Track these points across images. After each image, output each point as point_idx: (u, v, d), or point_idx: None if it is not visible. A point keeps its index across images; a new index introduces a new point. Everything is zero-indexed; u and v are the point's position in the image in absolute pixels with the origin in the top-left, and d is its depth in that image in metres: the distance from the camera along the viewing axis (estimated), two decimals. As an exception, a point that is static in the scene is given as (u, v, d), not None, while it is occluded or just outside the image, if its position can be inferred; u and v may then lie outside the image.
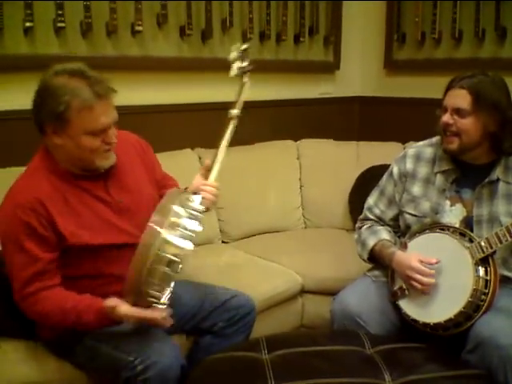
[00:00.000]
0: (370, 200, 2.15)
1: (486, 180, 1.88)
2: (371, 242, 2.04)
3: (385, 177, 2.13)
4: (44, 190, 1.64)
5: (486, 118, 1.82)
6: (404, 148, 3.10)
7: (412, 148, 2.08)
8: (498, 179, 1.88)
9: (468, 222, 1.92)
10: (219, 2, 3.00)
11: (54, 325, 1.67)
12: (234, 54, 1.98)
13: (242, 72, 2.01)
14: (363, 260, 2.11)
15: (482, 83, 1.82)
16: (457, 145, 1.86)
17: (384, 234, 2.05)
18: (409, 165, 2.04)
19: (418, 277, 1.83)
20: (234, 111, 1.92)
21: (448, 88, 1.88)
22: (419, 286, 1.84)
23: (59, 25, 2.43)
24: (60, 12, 2.41)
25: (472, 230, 1.89)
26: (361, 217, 2.18)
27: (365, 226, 2.12)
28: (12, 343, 1.82)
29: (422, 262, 1.85)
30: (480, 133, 1.84)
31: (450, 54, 3.31)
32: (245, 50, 1.97)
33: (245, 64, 2.01)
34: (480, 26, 3.11)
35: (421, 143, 2.08)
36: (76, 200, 1.69)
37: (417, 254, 1.88)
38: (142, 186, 1.85)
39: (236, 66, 1.99)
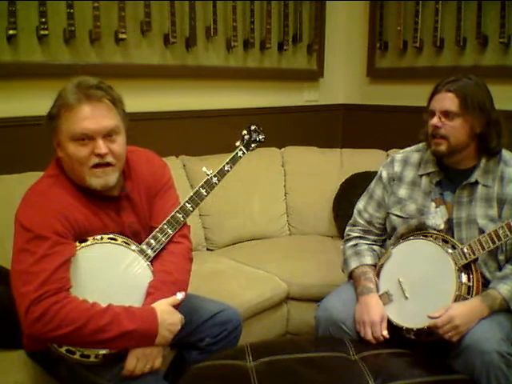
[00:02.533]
0: (360, 205, 2.17)
1: (465, 182, 1.91)
2: (353, 265, 2.06)
3: (373, 182, 2.16)
4: (66, 201, 1.60)
5: (473, 119, 1.86)
6: (387, 155, 3.13)
7: (399, 154, 2.12)
8: (476, 182, 1.91)
9: (450, 224, 1.95)
10: (203, 9, 3.01)
11: (69, 334, 1.49)
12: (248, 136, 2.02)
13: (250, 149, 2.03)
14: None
15: (467, 86, 1.86)
16: (445, 147, 1.89)
17: (367, 257, 2.06)
18: (396, 168, 2.07)
19: (367, 329, 1.85)
20: (214, 179, 1.88)
21: (434, 92, 1.92)
22: (363, 335, 1.86)
23: (42, 32, 2.42)
24: (43, 20, 2.40)
25: (453, 232, 1.92)
26: (350, 221, 2.19)
27: (350, 243, 2.13)
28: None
29: (381, 320, 1.86)
30: (467, 134, 1.87)
31: (431, 62, 3.35)
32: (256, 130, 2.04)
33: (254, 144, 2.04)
34: (461, 34, 3.15)
35: (408, 149, 2.11)
36: (90, 212, 1.65)
37: (383, 312, 1.89)
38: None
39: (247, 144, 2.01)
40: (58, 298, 1.48)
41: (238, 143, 2.00)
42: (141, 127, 2.81)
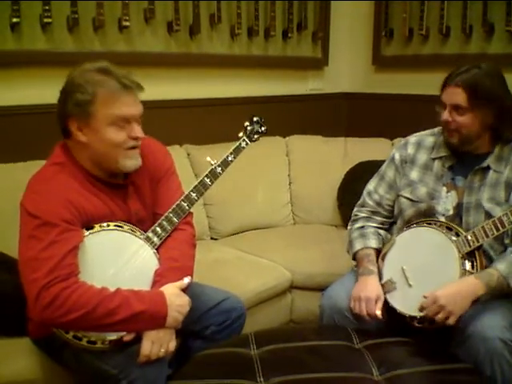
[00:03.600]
0: (370, 186, 2.17)
1: (476, 167, 1.91)
2: (357, 246, 2.06)
3: (385, 163, 2.15)
4: (72, 188, 1.62)
5: (484, 111, 1.84)
6: (392, 144, 3.12)
7: (414, 136, 2.11)
8: (488, 167, 1.90)
9: (459, 209, 1.94)
10: (207, -3, 2.99)
11: (80, 318, 1.49)
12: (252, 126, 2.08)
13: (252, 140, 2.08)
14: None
15: (476, 77, 1.83)
16: (457, 139, 1.89)
17: (372, 240, 2.06)
18: (410, 150, 2.07)
19: (363, 306, 1.86)
20: (218, 169, 1.91)
21: (444, 85, 1.90)
22: (357, 311, 1.88)
23: (46, 20, 2.40)
24: (47, 7, 2.39)
25: (461, 218, 1.92)
26: (359, 202, 2.18)
27: (357, 224, 2.13)
28: (2, 341, 1.80)
29: (377, 299, 1.87)
30: (479, 126, 1.86)
31: (437, 50, 3.32)
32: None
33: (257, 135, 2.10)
34: (467, 22, 3.12)
35: (423, 132, 2.11)
36: (97, 199, 1.67)
37: (381, 293, 1.90)
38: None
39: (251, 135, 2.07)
40: (68, 284, 1.50)
41: (240, 134, 2.04)
42: (145, 115, 2.77)
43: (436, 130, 2.06)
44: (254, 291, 2.33)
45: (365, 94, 3.76)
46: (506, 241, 1.87)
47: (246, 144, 2.03)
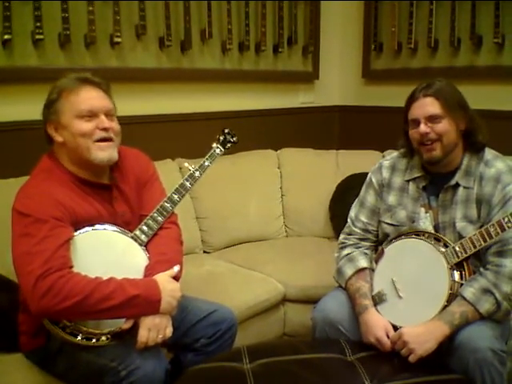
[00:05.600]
0: (352, 213, 2.15)
1: (445, 186, 1.92)
2: (349, 272, 2.03)
3: (363, 189, 2.14)
4: (61, 192, 1.68)
5: (456, 117, 1.88)
6: (383, 156, 3.14)
7: (387, 160, 2.11)
8: (457, 184, 1.91)
9: (437, 230, 1.94)
10: (198, 12, 3.02)
11: (76, 304, 1.53)
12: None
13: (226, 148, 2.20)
14: (337, 283, 2.10)
15: (441, 88, 1.88)
16: (439, 150, 1.88)
17: (361, 260, 2.03)
18: (385, 174, 2.07)
19: (379, 347, 1.82)
20: (196, 173, 2.01)
21: (411, 101, 1.91)
22: (384, 350, 1.82)
23: (38, 37, 2.43)
24: (38, 24, 2.41)
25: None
26: (345, 230, 2.15)
27: (344, 252, 2.09)
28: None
29: (386, 332, 1.83)
30: (455, 133, 1.89)
31: (426, 63, 3.36)
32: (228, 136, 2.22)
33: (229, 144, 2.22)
34: (455, 35, 3.16)
35: (395, 154, 2.11)
36: (84, 202, 1.73)
37: (386, 324, 1.86)
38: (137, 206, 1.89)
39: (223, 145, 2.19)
40: (63, 273, 1.55)
41: (214, 144, 2.16)
42: (137, 130, 2.82)
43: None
44: (246, 304, 2.33)
45: (355, 107, 3.80)
46: (489, 257, 1.84)
47: (220, 151, 2.14)
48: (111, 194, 1.82)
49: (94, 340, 1.62)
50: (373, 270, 2.02)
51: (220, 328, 1.89)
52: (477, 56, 3.14)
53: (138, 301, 1.60)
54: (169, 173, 2.80)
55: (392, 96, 3.50)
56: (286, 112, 3.62)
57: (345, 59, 3.81)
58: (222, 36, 3.16)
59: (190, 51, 3.03)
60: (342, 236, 2.16)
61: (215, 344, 1.89)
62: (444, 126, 1.86)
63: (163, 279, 1.69)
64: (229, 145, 2.20)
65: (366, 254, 2.08)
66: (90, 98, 1.72)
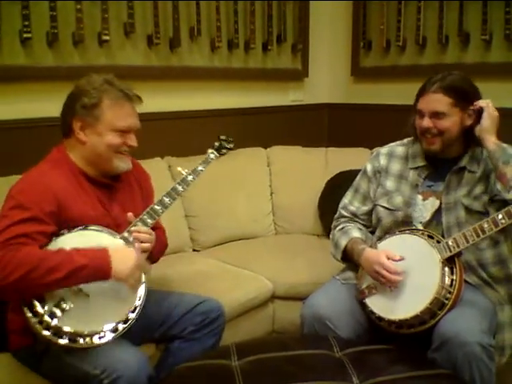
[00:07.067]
0: (345, 199, 2.21)
1: (454, 168, 1.96)
2: (343, 242, 2.08)
3: (358, 176, 2.19)
4: (61, 184, 1.72)
5: (463, 113, 1.90)
6: (372, 153, 3.15)
7: (384, 148, 2.16)
8: (464, 167, 1.96)
9: (437, 214, 1.97)
10: (187, 10, 3.01)
11: (23, 276, 1.54)
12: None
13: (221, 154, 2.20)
14: (337, 260, 2.15)
15: (453, 82, 1.90)
16: (439, 145, 1.93)
17: (355, 232, 2.09)
18: (382, 161, 2.11)
19: (385, 273, 1.87)
20: (189, 177, 2.00)
21: (422, 92, 1.94)
22: (386, 282, 1.87)
23: (25, 35, 2.41)
24: (26, 23, 2.40)
25: (441, 219, 1.96)
26: (336, 216, 2.22)
27: (337, 228, 2.16)
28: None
29: (389, 258, 1.89)
30: (459, 129, 1.92)
31: (414, 60, 3.37)
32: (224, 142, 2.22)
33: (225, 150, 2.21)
34: (443, 32, 3.18)
35: (392, 144, 2.16)
36: (82, 199, 1.76)
37: (385, 250, 1.93)
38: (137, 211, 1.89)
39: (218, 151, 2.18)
40: (14, 247, 1.57)
41: (209, 150, 2.16)
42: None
43: (405, 140, 2.11)
44: (235, 302, 2.33)
45: (344, 105, 3.81)
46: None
47: (215, 156, 2.15)
48: (111, 195, 1.85)
49: (79, 342, 1.61)
50: (365, 241, 2.06)
51: (206, 317, 1.93)
52: (464, 53, 3.16)
53: (86, 270, 1.61)
54: (158, 171, 2.80)
55: (381, 93, 3.54)
56: (275, 110, 3.62)
57: (334, 57, 3.82)
58: (211, 34, 3.16)
59: (179, 49, 3.02)
60: (333, 222, 2.22)
61: (202, 331, 1.92)
62: (447, 122, 1.89)
63: (116, 248, 1.70)
64: (224, 151, 2.20)
65: (359, 228, 2.12)
66: (130, 115, 1.79)
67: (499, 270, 1.94)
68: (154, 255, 1.91)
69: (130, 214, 1.79)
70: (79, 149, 1.78)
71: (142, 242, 1.77)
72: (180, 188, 1.94)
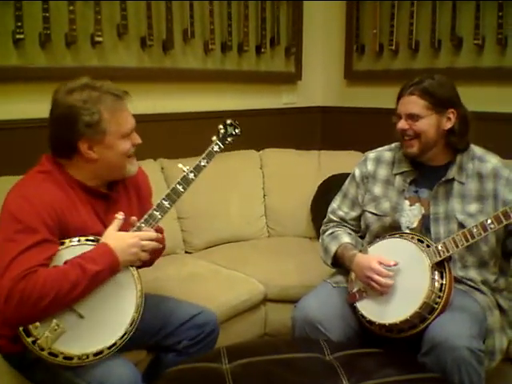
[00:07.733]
0: (334, 204, 2.22)
1: (443, 179, 1.96)
2: (333, 248, 2.09)
3: (347, 181, 2.21)
4: (57, 196, 1.65)
5: (439, 117, 1.92)
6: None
7: (372, 152, 2.17)
8: (453, 179, 1.96)
9: (425, 220, 1.99)
10: (180, 12, 3.01)
11: (53, 301, 1.52)
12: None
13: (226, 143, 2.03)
14: (327, 265, 2.15)
15: (430, 86, 1.91)
16: (416, 147, 1.95)
17: (345, 237, 2.10)
18: (370, 167, 2.12)
19: (377, 277, 1.88)
20: (191, 175, 1.87)
21: (399, 96, 1.98)
22: (378, 287, 1.88)
23: (18, 36, 2.40)
24: (19, 24, 2.39)
25: (429, 228, 1.97)
26: (324, 220, 2.23)
27: (327, 233, 2.17)
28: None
29: (381, 263, 1.90)
30: (435, 132, 1.93)
31: (407, 64, 3.38)
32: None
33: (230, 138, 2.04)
34: (436, 36, 3.19)
35: (380, 148, 2.17)
36: (79, 210, 1.69)
37: (377, 255, 1.94)
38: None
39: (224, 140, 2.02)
40: (30, 276, 1.51)
41: (214, 138, 1.98)
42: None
43: (393, 145, 2.13)
44: (227, 304, 2.33)
45: (337, 108, 3.81)
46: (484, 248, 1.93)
47: (219, 148, 1.97)
48: (108, 206, 1.78)
49: (75, 359, 1.58)
50: (355, 246, 2.07)
51: (203, 330, 1.90)
52: (457, 57, 3.17)
53: (103, 274, 1.61)
54: (151, 173, 2.73)
55: (373, 97, 3.54)
56: (268, 112, 3.62)
57: (327, 60, 3.83)
58: (205, 36, 3.16)
59: (172, 51, 3.02)
60: (322, 226, 2.23)
61: (197, 346, 1.89)
62: (422, 124, 1.91)
63: (107, 235, 1.67)
64: (229, 139, 2.01)
65: (349, 233, 2.13)
66: (129, 114, 1.73)
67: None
68: (155, 256, 1.88)
69: (133, 218, 1.73)
70: (88, 167, 1.70)
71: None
72: (181, 189, 1.82)
